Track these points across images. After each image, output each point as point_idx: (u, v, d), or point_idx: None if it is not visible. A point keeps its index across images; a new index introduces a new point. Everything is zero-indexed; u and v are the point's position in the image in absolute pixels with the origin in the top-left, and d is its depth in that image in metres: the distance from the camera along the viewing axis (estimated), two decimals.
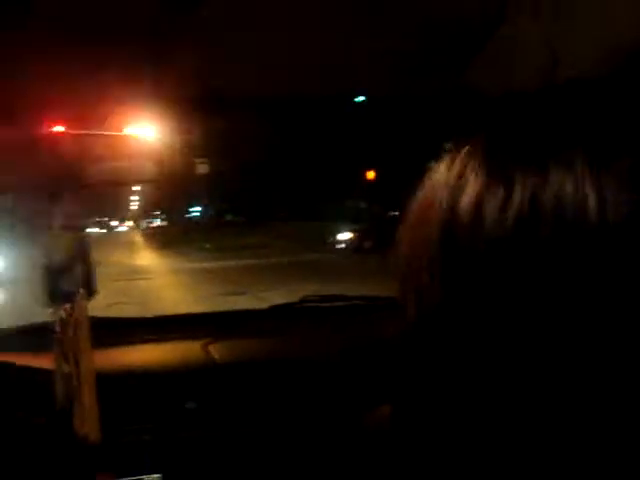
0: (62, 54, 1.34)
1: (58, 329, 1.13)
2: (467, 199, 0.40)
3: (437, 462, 0.46)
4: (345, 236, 11.92)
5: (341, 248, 12.01)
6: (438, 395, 0.43)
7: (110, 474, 1.09)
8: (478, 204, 0.39)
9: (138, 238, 35.13)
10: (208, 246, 23.01)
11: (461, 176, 0.41)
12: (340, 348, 1.58)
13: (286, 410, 1.42)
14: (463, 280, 0.39)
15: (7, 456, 1.30)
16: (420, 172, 0.47)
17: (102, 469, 1.26)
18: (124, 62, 1.57)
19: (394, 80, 1.98)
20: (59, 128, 1.11)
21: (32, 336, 1.57)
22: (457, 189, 0.41)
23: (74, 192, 1.12)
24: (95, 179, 1.15)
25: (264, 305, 1.97)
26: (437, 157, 0.46)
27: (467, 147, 0.43)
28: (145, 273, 11.57)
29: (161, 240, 27.52)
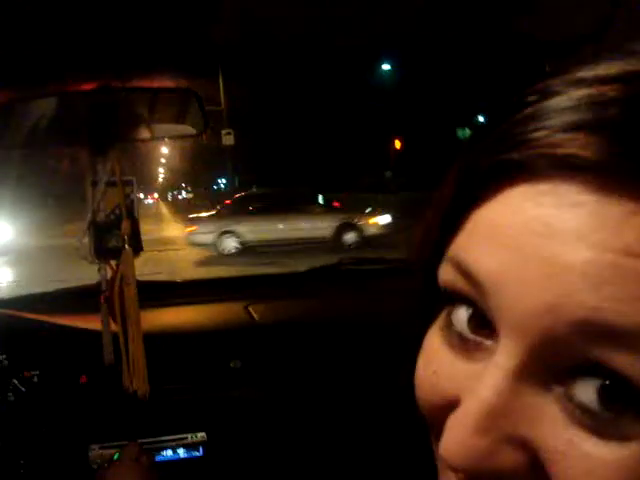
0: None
1: (105, 286, 1.13)
2: None
3: None
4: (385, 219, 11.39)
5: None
6: None
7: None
8: None
9: (165, 210, 35.38)
10: None
11: None
12: (375, 309, 1.57)
13: (325, 368, 1.41)
14: None
15: (57, 414, 1.32)
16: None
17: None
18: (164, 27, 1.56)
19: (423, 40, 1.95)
20: (103, 83, 1.09)
21: (80, 298, 1.60)
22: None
23: (118, 148, 1.11)
24: (139, 136, 1.13)
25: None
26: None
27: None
28: (173, 244, 11.61)
29: (187, 212, 27.75)
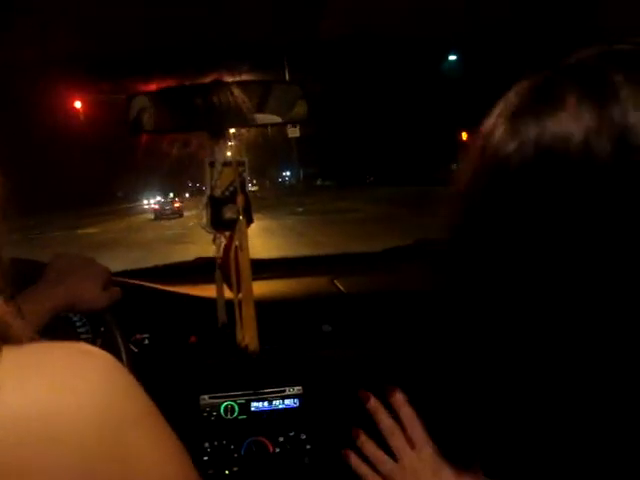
0: None
1: (220, 254, 1.30)
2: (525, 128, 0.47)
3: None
4: None
5: None
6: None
7: None
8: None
9: None
10: (300, 210, 23.33)
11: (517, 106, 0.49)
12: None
13: (406, 333, 1.55)
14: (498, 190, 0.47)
15: (168, 369, 1.50)
16: None
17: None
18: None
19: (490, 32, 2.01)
20: (216, 77, 1.26)
21: (194, 271, 1.78)
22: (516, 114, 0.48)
23: (232, 130, 1.27)
24: (249, 122, 1.29)
25: None
26: None
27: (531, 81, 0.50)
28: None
29: (254, 204, 28.03)
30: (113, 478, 0.45)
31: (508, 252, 0.46)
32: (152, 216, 31.09)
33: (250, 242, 1.31)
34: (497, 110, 0.51)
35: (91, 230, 23.38)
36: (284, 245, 12.17)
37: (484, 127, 0.51)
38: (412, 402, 1.45)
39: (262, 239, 12.65)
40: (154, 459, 0.48)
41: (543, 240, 0.44)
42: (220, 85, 1.26)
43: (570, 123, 0.43)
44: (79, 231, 23.10)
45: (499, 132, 0.48)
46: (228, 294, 1.37)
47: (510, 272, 0.46)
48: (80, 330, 1.48)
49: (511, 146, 0.46)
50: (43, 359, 0.46)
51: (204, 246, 1.57)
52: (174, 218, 28.09)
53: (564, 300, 0.44)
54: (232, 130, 1.41)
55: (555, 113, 0.44)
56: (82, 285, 1.15)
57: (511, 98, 0.50)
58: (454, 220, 0.52)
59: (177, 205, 32.74)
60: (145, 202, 59.76)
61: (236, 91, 1.24)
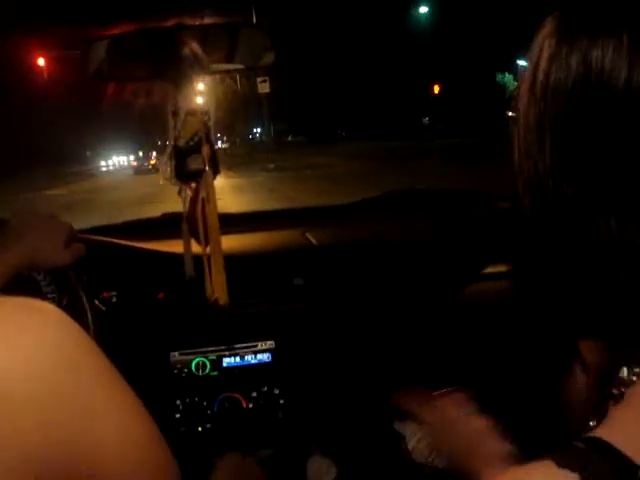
0: None
1: (187, 206, 1.25)
2: (542, 62, 0.53)
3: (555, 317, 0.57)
4: None
5: None
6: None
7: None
8: (549, 64, 0.52)
9: None
10: (272, 166, 23.14)
11: (541, 46, 0.54)
12: (422, 234, 1.69)
13: (380, 286, 1.53)
14: (547, 133, 0.52)
15: (137, 326, 1.46)
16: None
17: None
18: None
19: None
20: (178, 21, 1.20)
21: (160, 226, 1.73)
22: (538, 56, 0.54)
23: (196, 81, 1.21)
24: (213, 70, 1.23)
25: None
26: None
27: (544, 26, 0.55)
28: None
29: (224, 162, 27.69)
30: (71, 430, 0.44)
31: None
32: (132, 171, 36.43)
33: (220, 199, 1.27)
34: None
35: (58, 191, 23.01)
36: (255, 201, 12.08)
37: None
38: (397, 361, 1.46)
39: (232, 196, 12.55)
40: (111, 411, 0.48)
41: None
42: (182, 29, 1.20)
43: None
44: (47, 192, 22.72)
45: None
46: (197, 248, 1.33)
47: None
48: (46, 290, 1.44)
49: None
50: None
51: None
52: (153, 173, 30.10)
53: None
54: (201, 87, 1.36)
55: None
56: (43, 241, 1.11)
57: None
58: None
59: (152, 162, 37.27)
60: (103, 163, 60.62)
61: (200, 35, 1.18)
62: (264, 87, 20.74)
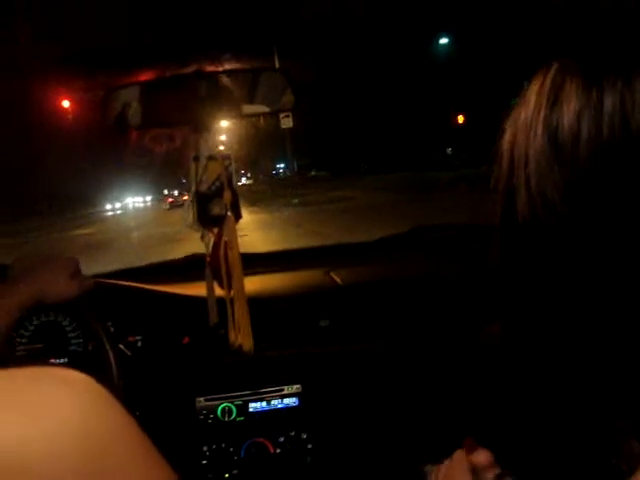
0: None
1: (209, 251, 1.25)
2: (567, 106, 0.45)
3: (542, 368, 0.52)
4: None
5: None
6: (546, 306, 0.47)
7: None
8: (577, 109, 0.44)
9: None
10: (296, 201, 23.23)
11: (557, 88, 0.46)
12: (447, 272, 1.66)
13: (406, 326, 1.51)
14: (574, 184, 0.44)
15: (163, 371, 1.45)
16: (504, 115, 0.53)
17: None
18: None
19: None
20: (197, 68, 1.21)
21: (185, 268, 1.73)
22: (556, 101, 0.46)
23: (215, 125, 1.22)
24: (234, 114, 1.24)
25: None
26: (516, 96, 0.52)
27: (557, 64, 0.48)
28: (240, 230, 11.87)
29: (249, 198, 28.07)
30: None
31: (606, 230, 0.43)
32: (167, 207, 38.63)
33: (249, 236, 1.26)
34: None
35: (87, 230, 23.33)
36: (279, 238, 12.10)
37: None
38: (418, 397, 1.43)
39: (257, 232, 12.58)
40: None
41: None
42: (201, 75, 1.21)
43: None
44: (76, 232, 23.04)
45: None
46: (220, 292, 1.32)
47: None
48: (70, 335, 1.45)
49: None
50: (8, 389, 0.42)
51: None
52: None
53: None
54: (225, 124, 1.37)
55: None
56: (46, 277, 1.16)
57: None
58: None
59: (185, 197, 37.73)
60: (109, 206, 61.91)
61: (218, 81, 1.19)
62: (287, 122, 20.90)
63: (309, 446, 1.41)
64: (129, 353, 1.45)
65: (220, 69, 1.27)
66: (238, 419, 1.41)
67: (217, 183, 1.21)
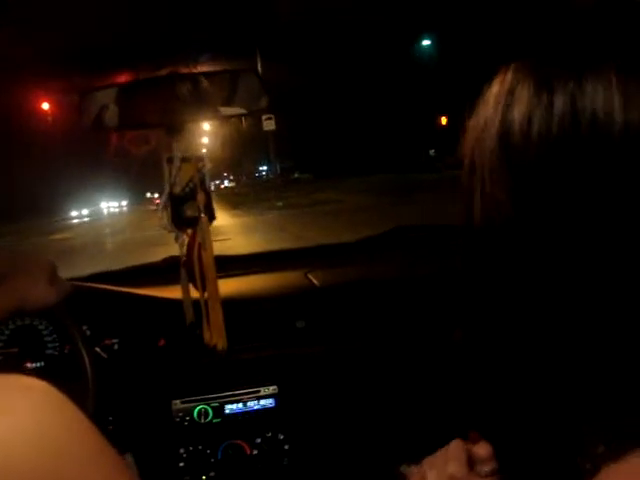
0: None
1: (184, 252, 1.25)
2: (518, 108, 0.46)
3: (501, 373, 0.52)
4: None
5: None
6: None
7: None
8: (528, 111, 0.45)
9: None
10: (280, 204, 23.16)
11: (512, 89, 0.47)
12: (427, 272, 1.66)
13: (382, 327, 1.51)
14: (524, 186, 0.44)
15: (139, 374, 1.45)
16: None
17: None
18: None
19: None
20: (172, 70, 1.21)
21: (163, 271, 1.73)
22: (510, 102, 0.46)
23: (190, 127, 1.22)
24: (208, 116, 1.24)
25: None
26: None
27: (514, 65, 0.49)
28: (223, 234, 11.78)
29: (232, 201, 27.95)
30: None
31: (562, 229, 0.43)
32: (154, 207, 36.93)
33: (232, 240, 1.26)
34: None
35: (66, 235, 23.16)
36: (263, 241, 12.06)
37: None
38: (396, 396, 1.43)
39: (241, 236, 12.53)
40: None
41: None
42: (177, 77, 1.21)
43: None
44: (55, 237, 22.87)
45: None
46: (196, 293, 1.32)
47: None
48: (47, 339, 1.44)
49: None
50: None
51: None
52: None
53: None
54: (207, 127, 1.37)
55: None
56: (24, 282, 1.07)
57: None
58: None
59: None
60: (75, 213, 59.98)
61: (194, 82, 1.19)
62: (269, 124, 20.88)
63: (286, 447, 1.41)
64: (105, 356, 1.44)
65: (196, 70, 1.27)
66: (215, 421, 1.41)
67: (190, 185, 1.21)
